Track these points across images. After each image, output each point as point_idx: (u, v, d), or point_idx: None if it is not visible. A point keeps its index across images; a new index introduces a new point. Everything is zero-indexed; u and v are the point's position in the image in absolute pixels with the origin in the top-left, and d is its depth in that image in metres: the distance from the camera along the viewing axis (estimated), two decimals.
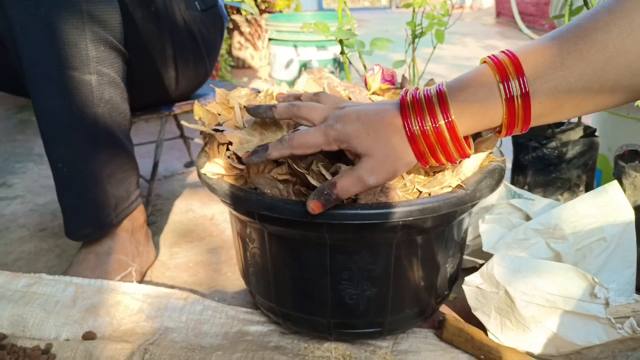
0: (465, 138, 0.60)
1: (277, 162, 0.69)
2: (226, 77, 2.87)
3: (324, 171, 0.66)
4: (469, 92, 0.56)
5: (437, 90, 0.58)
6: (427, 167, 0.62)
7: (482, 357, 0.76)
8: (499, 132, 0.58)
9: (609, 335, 0.70)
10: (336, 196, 0.61)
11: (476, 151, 0.71)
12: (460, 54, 3.83)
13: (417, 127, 0.58)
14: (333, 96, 0.70)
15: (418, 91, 0.59)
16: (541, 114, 0.55)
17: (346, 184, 0.61)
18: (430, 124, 0.57)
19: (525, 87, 0.53)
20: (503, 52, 0.56)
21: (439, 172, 0.69)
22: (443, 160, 0.60)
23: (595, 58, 0.51)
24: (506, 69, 0.54)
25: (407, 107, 0.59)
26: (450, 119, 0.56)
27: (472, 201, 0.68)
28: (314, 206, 0.61)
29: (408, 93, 0.60)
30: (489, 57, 0.56)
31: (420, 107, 0.58)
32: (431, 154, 0.59)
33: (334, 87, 0.84)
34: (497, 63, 0.55)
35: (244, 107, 0.72)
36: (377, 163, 0.60)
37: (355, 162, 0.62)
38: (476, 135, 0.70)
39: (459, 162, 0.65)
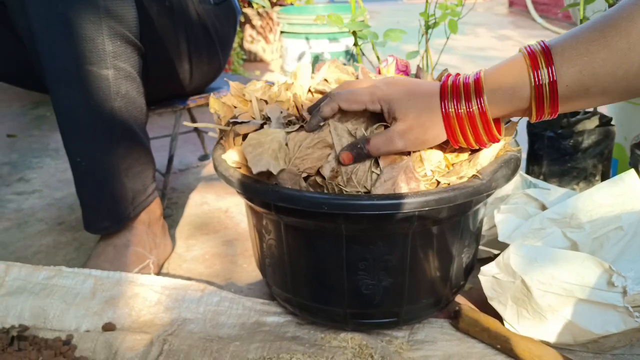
0: (497, 124, 0.65)
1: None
2: (239, 70, 2.87)
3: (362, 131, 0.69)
4: (503, 79, 0.61)
5: (475, 79, 0.63)
6: (457, 146, 0.67)
7: (499, 346, 0.76)
8: (530, 116, 0.62)
9: (627, 323, 0.70)
10: (367, 151, 0.67)
11: None
12: (473, 45, 3.80)
13: (453, 110, 0.64)
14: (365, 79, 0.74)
15: (458, 77, 0.65)
16: (569, 97, 0.58)
17: (378, 141, 0.66)
18: (464, 108, 0.63)
19: (553, 75, 0.57)
20: (538, 42, 0.60)
21: (457, 163, 0.69)
22: (472, 141, 0.65)
23: (619, 45, 0.54)
24: (537, 58, 0.58)
25: (446, 90, 0.64)
26: (482, 105, 0.62)
27: (487, 191, 0.68)
28: (345, 157, 0.67)
29: (449, 78, 0.65)
30: (524, 47, 0.61)
31: (458, 92, 0.64)
32: (462, 134, 0.65)
33: (367, 71, 0.84)
34: (530, 53, 0.59)
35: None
36: (408, 128, 0.65)
37: (391, 124, 0.67)
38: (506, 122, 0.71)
39: (489, 146, 0.69)
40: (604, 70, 0.55)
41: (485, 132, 0.64)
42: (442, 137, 0.66)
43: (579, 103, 0.60)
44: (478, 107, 0.62)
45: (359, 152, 0.67)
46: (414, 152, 0.68)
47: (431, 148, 0.69)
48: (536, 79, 0.58)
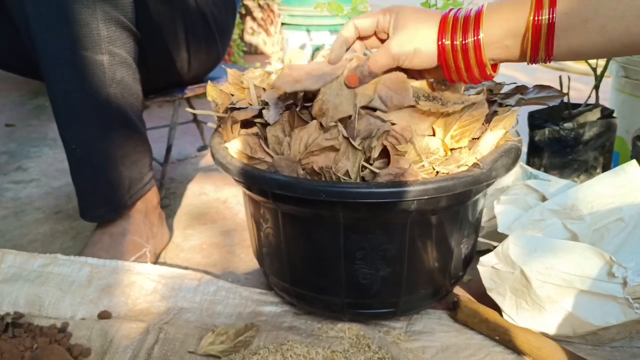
0: (494, 65, 0.65)
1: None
2: (239, 62, 2.86)
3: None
4: (503, 14, 0.61)
5: (476, 12, 0.63)
6: (450, 79, 0.67)
7: (497, 338, 0.76)
8: (526, 52, 0.61)
9: (627, 315, 0.69)
10: (369, 68, 0.68)
11: (493, 129, 0.70)
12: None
13: (448, 42, 0.63)
14: None
15: (460, 11, 0.64)
16: (565, 29, 0.57)
17: (376, 55, 0.67)
18: (460, 40, 0.63)
19: (552, 16, 0.57)
20: None
21: (456, 149, 0.68)
22: (464, 74, 0.65)
23: None
24: None
25: (446, 22, 0.64)
26: (478, 37, 0.62)
27: (487, 180, 0.67)
28: (350, 79, 0.68)
29: (452, 11, 0.65)
30: None
31: (457, 25, 0.63)
32: (455, 66, 0.64)
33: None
34: None
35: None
36: (406, 36, 0.65)
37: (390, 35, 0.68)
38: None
39: (482, 88, 0.70)
40: (604, 3, 0.55)
41: (478, 67, 0.63)
42: (435, 57, 0.65)
43: (576, 39, 0.58)
44: (474, 41, 0.62)
45: (361, 70, 0.68)
46: (407, 67, 0.68)
47: (429, 135, 0.68)
48: (536, 17, 0.58)
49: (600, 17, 0.55)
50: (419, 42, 0.65)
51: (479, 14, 0.62)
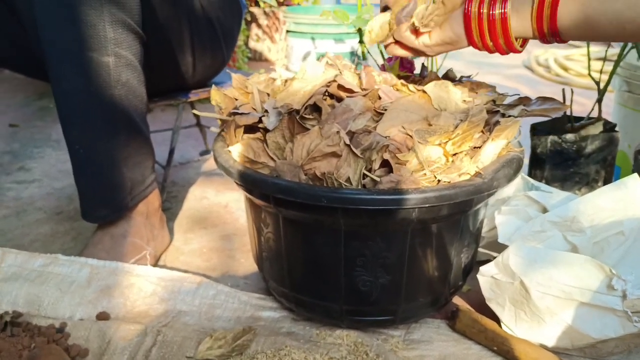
0: (524, 41, 0.68)
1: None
2: (243, 68, 2.87)
3: None
4: None
5: None
6: (476, 47, 0.70)
7: (495, 348, 0.76)
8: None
9: (625, 328, 0.69)
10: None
11: (495, 138, 0.70)
12: (478, 51, 3.78)
13: (475, 10, 0.67)
14: None
15: None
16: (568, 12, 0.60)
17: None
18: (486, 10, 0.66)
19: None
20: None
21: (457, 156, 0.68)
22: (489, 43, 0.68)
23: None
24: None
25: None
26: (505, 11, 0.65)
27: (489, 190, 0.68)
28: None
29: None
30: None
31: None
32: (480, 35, 0.68)
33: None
34: None
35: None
36: None
37: None
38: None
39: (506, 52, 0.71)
40: None
41: (504, 39, 0.66)
42: (462, 33, 0.69)
43: (577, 13, 0.60)
44: (500, 12, 0.65)
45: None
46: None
47: (428, 144, 0.68)
48: None
49: None
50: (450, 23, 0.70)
51: None
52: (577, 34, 0.62)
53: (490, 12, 0.65)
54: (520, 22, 0.65)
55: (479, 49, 0.71)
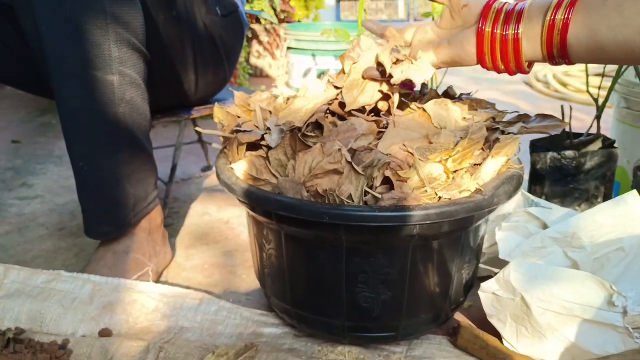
0: (529, 63, 0.69)
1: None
2: (244, 84, 2.89)
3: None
4: (542, 8, 0.64)
5: (520, 9, 0.67)
6: (485, 67, 0.71)
7: None
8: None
9: (626, 344, 0.69)
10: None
11: (495, 155, 0.71)
12: (478, 67, 3.79)
13: (489, 29, 0.68)
14: None
15: (505, 4, 0.68)
16: (583, 9, 0.60)
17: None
18: (499, 30, 0.67)
19: (568, 16, 0.61)
20: None
21: (458, 172, 0.69)
22: (500, 64, 0.69)
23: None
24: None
25: (488, 12, 0.68)
26: (518, 32, 0.66)
27: (489, 206, 0.68)
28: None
29: (496, 2, 0.69)
30: None
31: (499, 16, 0.67)
32: (491, 55, 0.69)
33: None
34: None
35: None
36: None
37: None
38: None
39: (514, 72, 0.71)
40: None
41: (515, 61, 0.67)
42: (473, 52, 0.70)
43: (591, 17, 0.60)
44: (513, 33, 0.66)
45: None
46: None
47: (429, 162, 0.69)
48: (552, 16, 0.62)
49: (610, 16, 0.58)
50: (462, 40, 0.71)
51: (521, 11, 0.66)
52: (587, 58, 0.63)
53: (504, 33, 0.66)
54: (530, 45, 0.66)
55: (487, 69, 0.72)
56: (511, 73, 0.70)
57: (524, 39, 0.66)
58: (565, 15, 0.61)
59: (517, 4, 0.67)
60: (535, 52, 0.66)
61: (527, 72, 0.69)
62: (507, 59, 0.68)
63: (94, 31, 0.82)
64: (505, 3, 0.68)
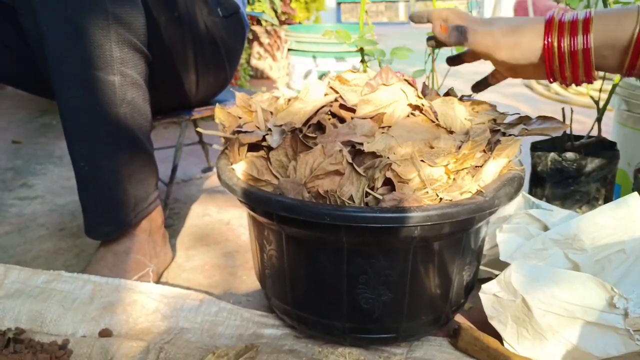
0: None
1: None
2: (245, 86, 2.89)
3: None
4: (613, 18, 0.63)
5: (584, 18, 0.64)
6: (551, 80, 0.69)
7: None
8: (622, 68, 0.64)
9: (627, 347, 0.69)
10: (466, 36, 0.70)
11: (496, 157, 0.71)
12: (479, 69, 3.79)
13: (556, 43, 0.66)
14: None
15: (565, 14, 0.66)
16: None
17: (479, 35, 0.70)
18: (568, 43, 0.65)
19: None
20: None
21: (459, 173, 0.69)
22: (569, 77, 0.67)
23: None
24: None
25: (552, 23, 0.66)
26: (588, 42, 0.64)
27: (490, 208, 0.68)
28: (442, 28, 0.70)
29: (556, 15, 0.67)
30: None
31: (563, 27, 0.66)
32: (560, 69, 0.67)
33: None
34: None
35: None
36: (509, 31, 0.68)
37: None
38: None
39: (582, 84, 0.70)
40: None
41: (584, 70, 0.66)
42: (533, 58, 0.68)
43: None
44: (583, 44, 0.64)
45: (461, 30, 0.69)
46: (499, 59, 0.70)
47: (436, 166, 0.69)
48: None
49: None
50: (523, 37, 0.67)
51: (587, 20, 0.64)
52: None
53: (573, 49, 0.65)
54: (604, 56, 0.65)
55: (553, 82, 0.71)
56: (578, 83, 0.69)
57: (594, 50, 0.64)
58: None
59: (576, 13, 0.66)
60: (609, 64, 0.65)
61: (592, 82, 0.68)
62: (576, 73, 0.67)
63: (96, 31, 0.82)
64: (563, 13, 0.67)
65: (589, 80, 0.67)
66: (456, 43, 0.72)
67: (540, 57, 0.68)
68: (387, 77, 0.78)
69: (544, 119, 0.80)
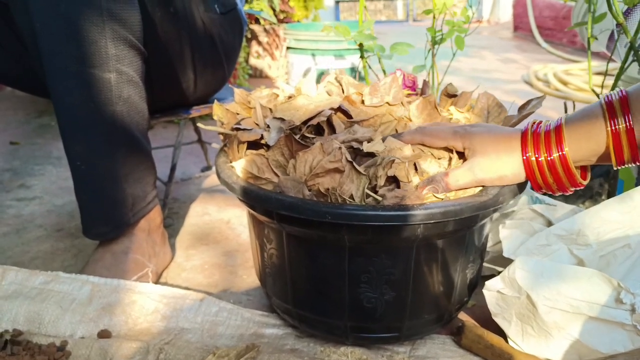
0: (583, 170, 0.67)
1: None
2: (244, 84, 2.88)
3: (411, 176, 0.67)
4: (582, 128, 0.63)
5: (556, 126, 0.65)
6: (539, 191, 0.68)
7: None
8: (611, 162, 0.63)
9: (635, 343, 0.68)
10: (446, 184, 0.66)
11: None
12: (478, 67, 3.81)
13: (534, 157, 0.65)
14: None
15: (540, 126, 0.67)
16: None
17: (457, 173, 0.67)
18: (544, 156, 0.65)
19: (629, 123, 0.60)
20: (617, 91, 0.63)
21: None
22: (554, 187, 0.67)
23: None
24: (614, 106, 0.61)
25: (527, 138, 0.66)
26: (563, 152, 0.64)
27: (494, 205, 0.67)
28: (420, 190, 0.66)
29: (529, 127, 0.67)
30: (605, 95, 0.64)
31: (539, 140, 0.65)
32: (543, 180, 0.66)
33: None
34: (607, 102, 0.62)
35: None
36: (490, 162, 0.67)
37: (469, 158, 0.68)
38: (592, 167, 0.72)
39: (571, 191, 0.69)
40: None
41: (567, 178, 0.65)
42: (522, 176, 0.67)
43: None
44: (559, 155, 0.64)
45: (436, 185, 0.66)
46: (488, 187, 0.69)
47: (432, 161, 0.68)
48: (612, 127, 0.61)
49: None
50: (504, 169, 0.67)
51: (559, 128, 0.64)
52: None
53: (549, 158, 0.65)
54: (582, 155, 0.64)
55: (540, 190, 0.70)
56: (565, 191, 0.68)
57: (571, 155, 0.64)
58: (627, 124, 0.60)
59: (548, 124, 0.66)
60: (589, 155, 0.64)
61: (583, 185, 0.68)
62: (559, 180, 0.66)
63: (91, 28, 0.81)
64: (538, 125, 0.67)
65: (576, 185, 0.66)
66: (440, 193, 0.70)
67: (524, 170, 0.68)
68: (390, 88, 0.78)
69: (524, 106, 0.81)
